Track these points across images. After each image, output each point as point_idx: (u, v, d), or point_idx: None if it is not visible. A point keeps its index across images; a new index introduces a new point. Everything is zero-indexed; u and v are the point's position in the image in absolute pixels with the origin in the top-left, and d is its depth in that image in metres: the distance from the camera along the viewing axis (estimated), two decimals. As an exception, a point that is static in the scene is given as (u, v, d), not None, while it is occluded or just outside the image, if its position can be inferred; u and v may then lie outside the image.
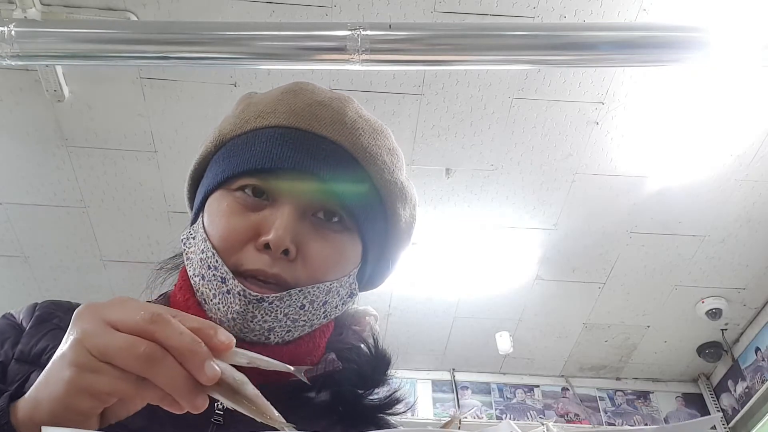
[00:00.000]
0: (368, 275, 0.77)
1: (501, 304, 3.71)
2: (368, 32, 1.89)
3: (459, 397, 4.12)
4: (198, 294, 0.68)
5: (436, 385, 4.16)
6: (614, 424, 4.11)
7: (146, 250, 3.22)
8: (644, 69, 2.57)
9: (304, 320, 0.67)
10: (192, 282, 0.69)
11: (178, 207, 3.03)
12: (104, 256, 3.31)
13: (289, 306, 0.65)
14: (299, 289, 0.66)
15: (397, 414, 0.74)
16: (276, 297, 0.64)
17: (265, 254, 0.65)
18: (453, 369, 4.22)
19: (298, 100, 0.73)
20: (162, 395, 0.48)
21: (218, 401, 0.51)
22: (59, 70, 2.55)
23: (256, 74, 2.61)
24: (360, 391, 0.73)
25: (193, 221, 0.74)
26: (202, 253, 0.67)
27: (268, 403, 0.50)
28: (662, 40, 1.95)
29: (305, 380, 0.56)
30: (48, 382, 0.49)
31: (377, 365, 0.74)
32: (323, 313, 0.69)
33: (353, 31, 1.89)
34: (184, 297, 0.70)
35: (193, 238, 0.71)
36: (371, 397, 0.73)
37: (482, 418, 4.06)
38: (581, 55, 1.98)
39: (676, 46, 1.95)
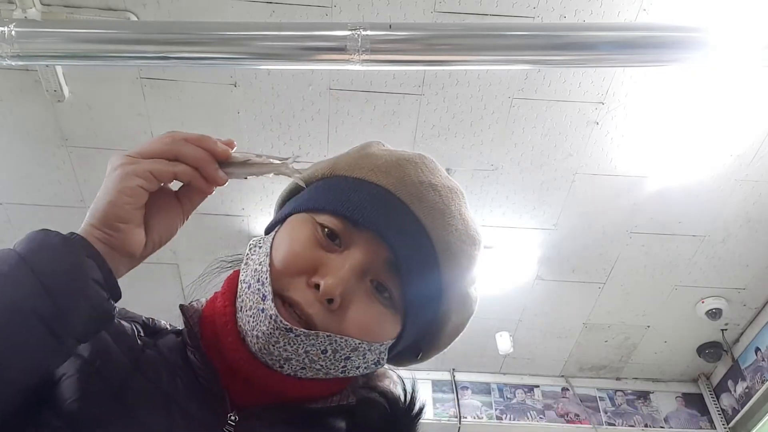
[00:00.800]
0: (393, 355, 0.76)
1: (501, 304, 3.71)
2: (368, 32, 1.89)
3: (459, 397, 4.12)
4: (238, 299, 0.69)
5: (436, 385, 4.16)
6: (614, 425, 4.11)
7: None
8: (644, 69, 2.57)
9: (321, 365, 0.67)
10: (239, 286, 0.70)
11: (178, 207, 3.02)
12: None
13: (313, 345, 0.66)
14: (328, 334, 0.66)
15: None
16: (303, 332, 0.65)
17: (311, 293, 0.66)
18: (453, 369, 4.22)
19: (414, 174, 0.74)
20: (191, 171, 0.64)
21: (232, 412, 0.66)
22: (59, 70, 2.55)
23: (256, 74, 2.62)
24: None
25: (268, 231, 0.76)
26: (259, 265, 0.69)
27: (272, 157, 0.67)
28: (662, 40, 1.95)
29: (290, 175, 0.68)
30: (99, 194, 0.63)
31: (407, 413, 0.74)
32: (342, 367, 0.69)
33: (353, 31, 1.89)
34: (223, 303, 0.71)
35: (259, 248, 0.72)
36: None
37: (482, 418, 4.07)
38: (581, 55, 1.98)
39: (676, 46, 1.95)
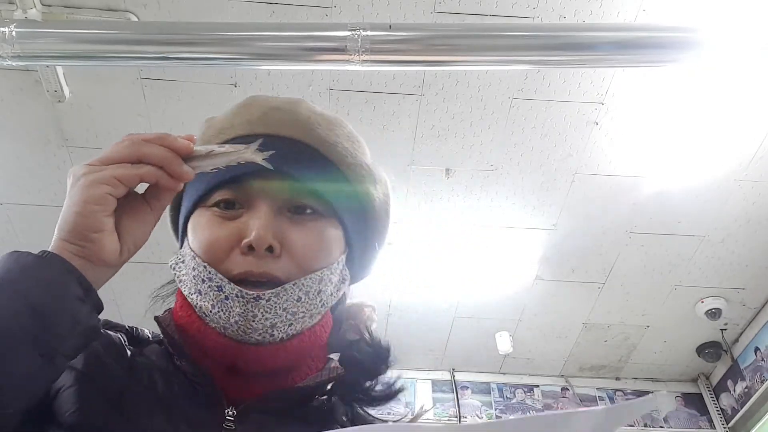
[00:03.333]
0: (357, 260, 0.79)
1: (501, 305, 3.71)
2: (368, 33, 1.90)
3: (459, 397, 4.12)
4: (197, 309, 0.70)
5: (436, 385, 4.16)
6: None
7: (147, 250, 3.18)
8: (644, 69, 2.57)
9: (303, 311, 0.69)
10: (190, 301, 0.71)
11: (179, 207, 3.03)
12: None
13: (287, 300, 0.67)
14: (293, 282, 0.68)
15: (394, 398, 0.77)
16: (272, 293, 0.67)
17: (250, 256, 0.68)
18: (453, 369, 4.22)
19: (253, 110, 0.78)
20: (156, 171, 0.63)
21: (229, 408, 0.67)
22: (60, 70, 2.56)
23: (257, 75, 2.62)
24: (366, 385, 0.75)
25: (181, 246, 0.78)
26: (194, 271, 0.70)
27: (235, 147, 0.66)
28: (662, 41, 1.95)
29: (257, 160, 0.66)
30: (65, 207, 0.62)
31: (377, 357, 0.77)
32: (320, 302, 0.71)
33: (353, 32, 1.89)
34: (186, 313, 0.71)
35: (182, 262, 0.74)
36: (374, 392, 0.76)
37: (482, 417, 4.07)
38: (581, 56, 1.99)
39: (676, 47, 1.95)
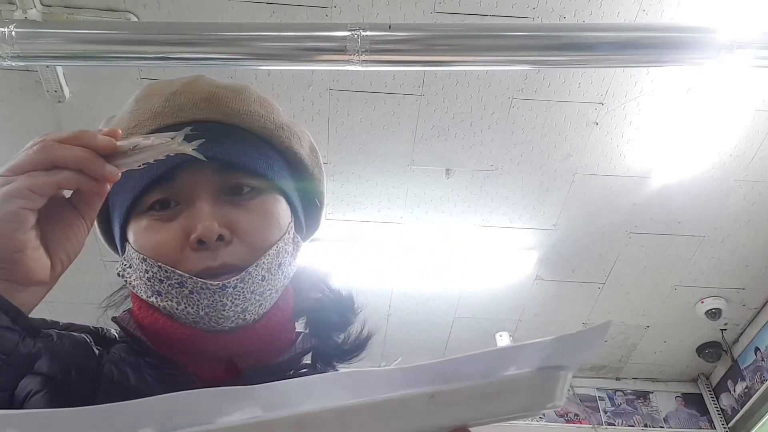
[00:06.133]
0: (304, 221, 0.78)
1: (501, 304, 3.71)
2: (368, 33, 1.90)
3: (459, 397, 4.12)
4: (162, 310, 0.68)
5: (436, 385, 4.16)
6: (614, 424, 4.11)
7: (146, 250, 3.22)
8: (644, 69, 2.57)
9: (270, 288, 0.69)
10: (149, 301, 0.69)
11: (179, 207, 3.03)
12: (104, 256, 3.30)
13: (252, 283, 0.67)
14: (255, 264, 0.67)
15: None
16: (237, 279, 0.65)
17: (203, 251, 0.66)
18: (453, 369, 4.22)
19: (154, 101, 0.75)
20: (75, 175, 0.57)
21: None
22: (60, 70, 2.55)
23: (256, 75, 2.62)
24: (339, 341, 0.75)
25: (122, 252, 0.74)
26: (147, 273, 0.67)
27: (161, 137, 0.60)
28: (661, 41, 1.96)
29: (185, 151, 0.61)
30: None
31: (342, 307, 0.76)
32: (282, 274, 0.70)
33: (353, 32, 1.89)
34: (148, 313, 0.69)
35: (130, 267, 0.70)
36: (347, 345, 0.76)
37: (482, 418, 4.06)
38: (581, 56, 1.99)
39: (676, 47, 1.95)
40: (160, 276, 0.66)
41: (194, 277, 0.65)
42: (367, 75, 2.63)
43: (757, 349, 3.81)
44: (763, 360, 3.75)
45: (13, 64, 1.94)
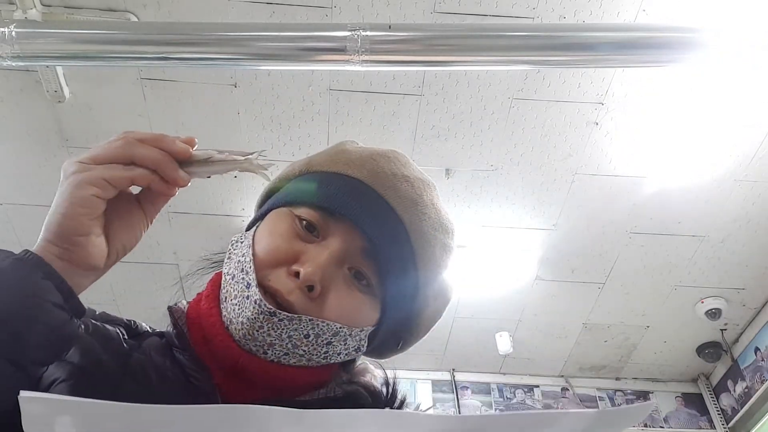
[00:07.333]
0: (375, 344, 0.77)
1: (501, 304, 3.71)
2: (368, 33, 1.90)
3: (459, 397, 4.12)
4: (223, 291, 0.70)
5: (436, 386, 4.16)
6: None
7: (147, 250, 3.22)
8: (643, 69, 2.57)
9: (304, 350, 0.68)
10: (223, 280, 0.71)
11: (179, 208, 3.04)
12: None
13: (296, 330, 0.67)
14: (310, 318, 0.67)
15: None
16: (287, 316, 0.66)
17: (292, 281, 0.67)
18: (453, 369, 4.22)
19: (387, 166, 0.76)
20: (149, 175, 0.61)
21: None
22: (60, 70, 2.56)
23: (257, 75, 2.62)
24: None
25: (249, 227, 0.77)
26: (242, 257, 0.70)
27: (235, 154, 0.64)
28: (661, 41, 1.96)
29: (256, 171, 0.66)
30: (53, 206, 0.59)
31: (390, 405, 0.75)
32: (324, 352, 0.70)
33: (353, 32, 1.89)
34: (208, 306, 0.71)
35: (241, 242, 0.73)
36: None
37: (482, 418, 4.07)
38: (580, 56, 1.99)
39: (675, 47, 1.95)
40: (243, 266, 0.69)
41: (260, 287, 0.66)
42: (367, 75, 2.63)
43: (757, 349, 3.81)
44: (763, 360, 3.75)
45: (13, 64, 1.94)
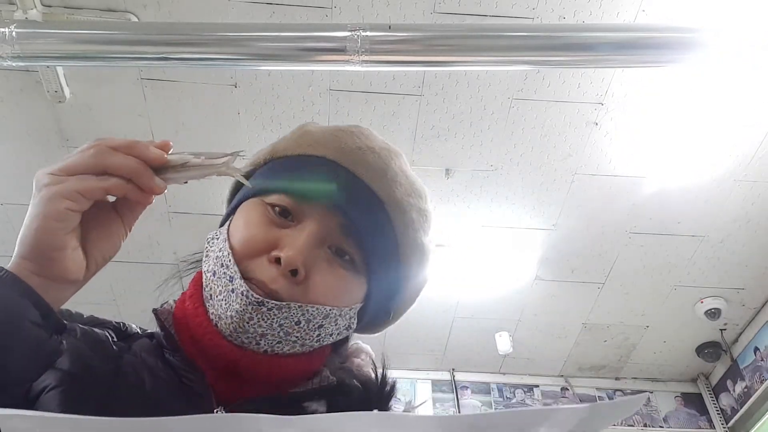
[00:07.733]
0: (366, 320, 0.77)
1: (501, 304, 3.72)
2: (368, 33, 1.90)
3: (459, 397, 4.13)
4: (206, 290, 0.70)
5: (436, 385, 4.16)
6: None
7: (146, 250, 3.22)
8: (643, 70, 2.57)
9: (297, 337, 0.68)
10: (204, 278, 0.71)
11: (179, 208, 3.04)
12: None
13: (286, 318, 0.66)
14: (299, 304, 0.67)
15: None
16: (275, 305, 0.66)
17: (274, 268, 0.67)
18: (453, 369, 4.22)
19: (351, 141, 0.76)
20: (124, 184, 0.59)
21: (218, 408, 0.64)
22: (60, 71, 2.56)
23: (257, 75, 2.62)
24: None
25: (222, 223, 0.77)
26: (220, 252, 0.70)
27: (211, 157, 0.63)
28: (661, 41, 1.96)
29: (233, 174, 0.64)
30: (26, 220, 0.58)
31: (380, 394, 0.74)
32: (317, 336, 0.70)
33: (353, 32, 1.89)
34: (193, 305, 0.71)
35: (216, 239, 0.73)
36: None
37: (482, 418, 4.06)
38: (580, 56, 1.99)
39: (675, 47, 1.95)
40: (223, 261, 0.68)
41: (243, 279, 0.66)
42: (367, 75, 2.63)
43: (756, 349, 3.81)
44: (762, 360, 3.75)
45: (14, 64, 1.94)
